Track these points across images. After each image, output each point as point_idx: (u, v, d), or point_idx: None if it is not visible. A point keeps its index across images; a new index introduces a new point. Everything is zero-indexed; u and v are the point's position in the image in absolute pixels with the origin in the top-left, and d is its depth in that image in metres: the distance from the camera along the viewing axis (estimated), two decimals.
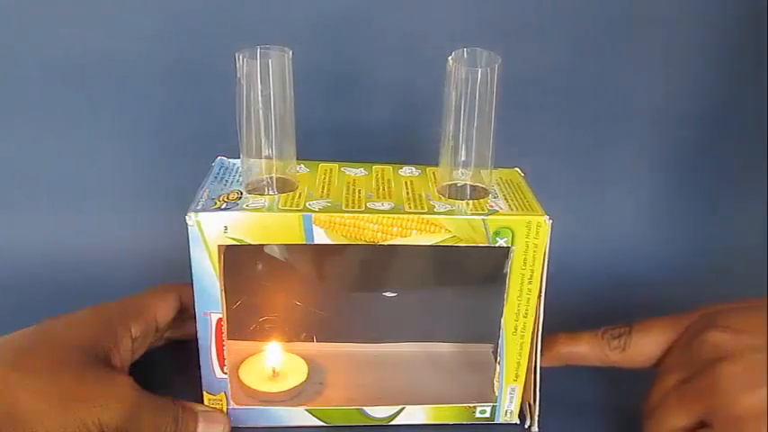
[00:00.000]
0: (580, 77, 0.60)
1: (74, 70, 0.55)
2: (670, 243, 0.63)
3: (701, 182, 0.64)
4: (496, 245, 0.39)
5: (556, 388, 0.43)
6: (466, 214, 0.39)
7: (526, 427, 0.44)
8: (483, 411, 0.44)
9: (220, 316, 0.40)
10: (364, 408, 0.43)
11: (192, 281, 0.39)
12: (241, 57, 0.37)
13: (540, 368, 0.42)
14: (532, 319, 0.41)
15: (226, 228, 0.37)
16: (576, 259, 0.60)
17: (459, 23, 0.55)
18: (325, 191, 0.41)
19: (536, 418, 0.43)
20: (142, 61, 0.55)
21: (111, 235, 0.59)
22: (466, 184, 0.41)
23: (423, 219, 0.38)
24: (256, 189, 0.40)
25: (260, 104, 0.38)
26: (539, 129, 0.61)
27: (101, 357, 0.39)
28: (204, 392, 0.42)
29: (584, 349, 0.43)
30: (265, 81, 0.38)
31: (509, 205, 0.40)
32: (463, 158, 0.40)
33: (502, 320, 0.41)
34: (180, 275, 0.42)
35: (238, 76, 0.38)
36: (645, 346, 0.42)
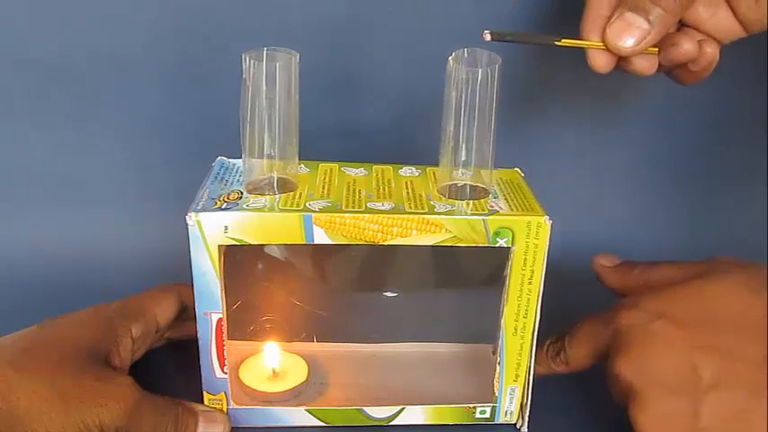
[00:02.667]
0: (580, 77, 0.60)
1: (74, 70, 0.55)
2: (670, 243, 0.63)
3: (700, 182, 0.64)
4: (497, 245, 0.39)
5: (545, 388, 0.43)
6: (466, 214, 0.39)
7: (517, 426, 0.44)
8: (483, 412, 0.44)
9: (221, 316, 0.40)
10: (364, 408, 0.43)
11: (192, 281, 0.39)
12: (248, 58, 0.37)
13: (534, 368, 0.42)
14: (532, 319, 0.41)
15: (226, 228, 0.37)
16: (576, 259, 0.60)
17: (460, 23, 0.55)
18: (326, 191, 0.41)
19: (526, 418, 0.43)
20: (142, 61, 0.55)
21: (111, 235, 0.59)
22: (466, 184, 0.41)
23: (423, 219, 0.38)
24: (257, 189, 0.40)
25: (265, 106, 0.38)
26: (539, 128, 0.61)
27: (101, 357, 0.39)
28: (204, 392, 0.42)
29: (540, 367, 0.43)
30: (271, 83, 0.38)
31: (509, 205, 0.40)
32: (463, 158, 0.40)
33: (502, 321, 0.41)
34: (180, 275, 0.42)
35: (244, 77, 0.37)
36: (581, 356, 0.41)
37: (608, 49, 0.40)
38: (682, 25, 0.43)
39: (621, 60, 0.41)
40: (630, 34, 0.39)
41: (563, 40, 0.41)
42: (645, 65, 0.41)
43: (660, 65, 0.42)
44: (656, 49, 0.41)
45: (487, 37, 0.37)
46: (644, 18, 0.39)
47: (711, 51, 0.41)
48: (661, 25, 0.39)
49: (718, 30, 0.42)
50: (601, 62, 0.41)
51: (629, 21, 0.39)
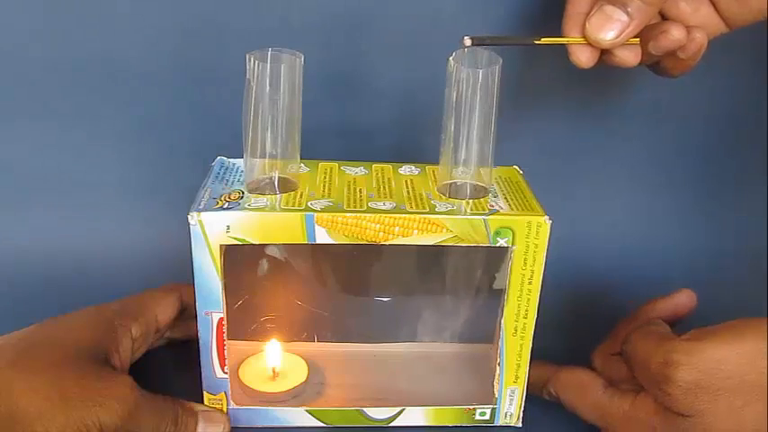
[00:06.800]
0: (580, 77, 0.60)
1: (74, 70, 0.55)
2: (669, 243, 0.63)
3: (700, 181, 0.64)
4: (497, 245, 0.39)
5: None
6: (467, 214, 0.39)
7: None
8: (483, 414, 0.44)
9: (221, 315, 0.40)
10: (364, 409, 0.43)
11: (193, 280, 0.39)
12: (252, 59, 0.37)
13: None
14: (532, 319, 0.41)
15: (228, 227, 0.37)
16: (575, 260, 0.60)
17: (460, 23, 0.55)
18: (326, 190, 0.41)
19: (520, 412, 0.43)
20: (142, 61, 0.55)
21: (112, 235, 0.59)
22: (466, 183, 0.41)
23: (424, 218, 0.38)
24: (258, 189, 0.40)
25: (268, 107, 0.38)
26: (539, 128, 0.61)
27: (101, 357, 0.39)
28: (204, 392, 0.42)
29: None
30: (275, 85, 0.38)
31: (509, 205, 0.40)
32: (463, 157, 0.40)
33: (502, 321, 0.41)
34: (180, 275, 0.42)
35: (248, 77, 0.37)
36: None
37: (589, 44, 0.41)
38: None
39: (604, 54, 0.42)
40: (610, 27, 0.39)
41: (543, 39, 0.41)
42: (628, 56, 0.42)
43: (648, 56, 0.42)
44: (638, 40, 0.41)
45: (468, 42, 0.38)
46: (623, 10, 0.39)
47: (700, 37, 0.41)
48: (640, 16, 0.39)
49: (701, 25, 0.42)
50: (583, 57, 0.41)
51: (608, 13, 0.39)
